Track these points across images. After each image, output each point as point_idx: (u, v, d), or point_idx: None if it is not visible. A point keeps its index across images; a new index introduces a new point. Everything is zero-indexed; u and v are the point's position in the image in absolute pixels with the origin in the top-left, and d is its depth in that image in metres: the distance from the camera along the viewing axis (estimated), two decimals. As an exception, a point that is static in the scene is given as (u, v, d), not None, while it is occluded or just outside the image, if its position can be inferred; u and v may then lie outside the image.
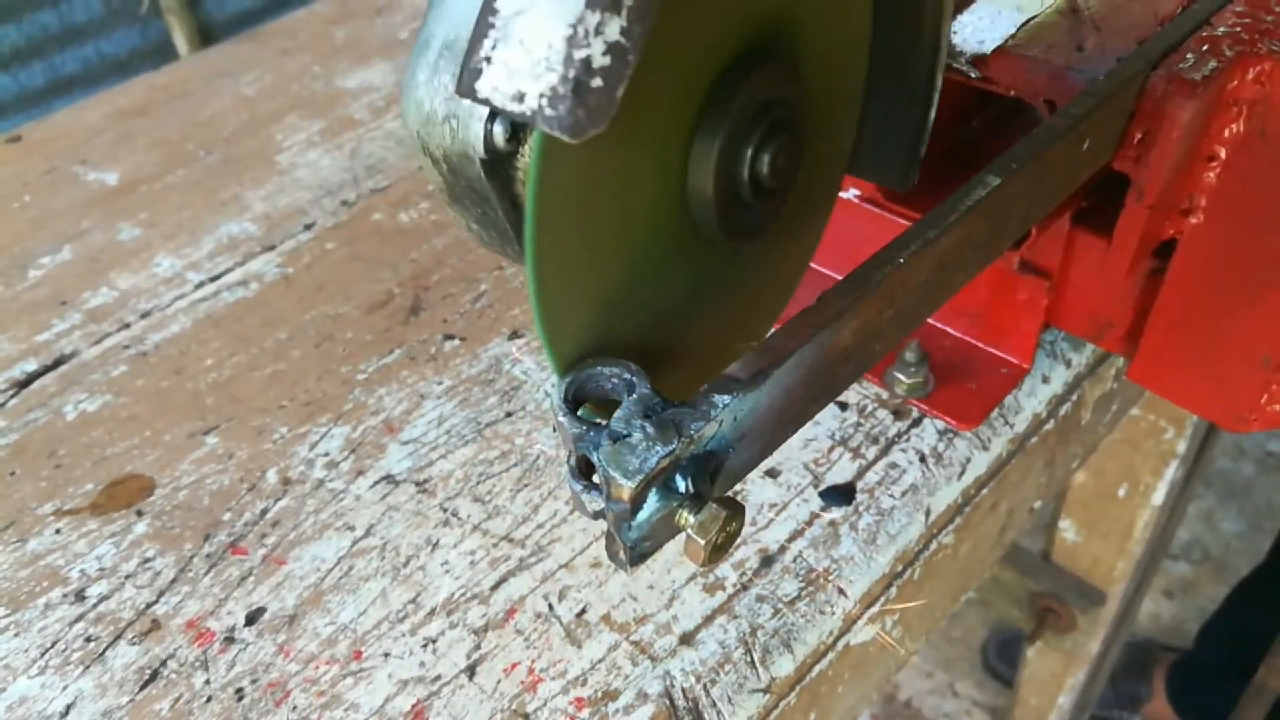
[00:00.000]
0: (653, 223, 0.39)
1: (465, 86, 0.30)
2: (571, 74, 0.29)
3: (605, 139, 0.31)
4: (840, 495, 0.57)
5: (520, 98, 0.30)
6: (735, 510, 0.34)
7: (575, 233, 0.36)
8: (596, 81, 0.29)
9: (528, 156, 0.34)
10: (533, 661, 0.50)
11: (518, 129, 0.33)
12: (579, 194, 0.35)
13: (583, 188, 0.35)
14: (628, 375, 0.36)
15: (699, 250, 0.42)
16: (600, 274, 0.38)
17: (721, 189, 0.39)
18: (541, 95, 0.29)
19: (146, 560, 0.56)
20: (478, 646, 0.51)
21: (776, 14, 0.40)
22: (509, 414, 0.62)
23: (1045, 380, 0.62)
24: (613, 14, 0.29)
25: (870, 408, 0.61)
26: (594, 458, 0.33)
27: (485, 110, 0.32)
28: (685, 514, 0.33)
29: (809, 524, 0.55)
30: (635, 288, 0.40)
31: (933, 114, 0.46)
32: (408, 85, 0.34)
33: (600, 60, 0.29)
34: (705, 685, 0.49)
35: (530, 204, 0.33)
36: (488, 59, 0.30)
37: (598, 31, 0.29)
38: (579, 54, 0.29)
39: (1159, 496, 1.12)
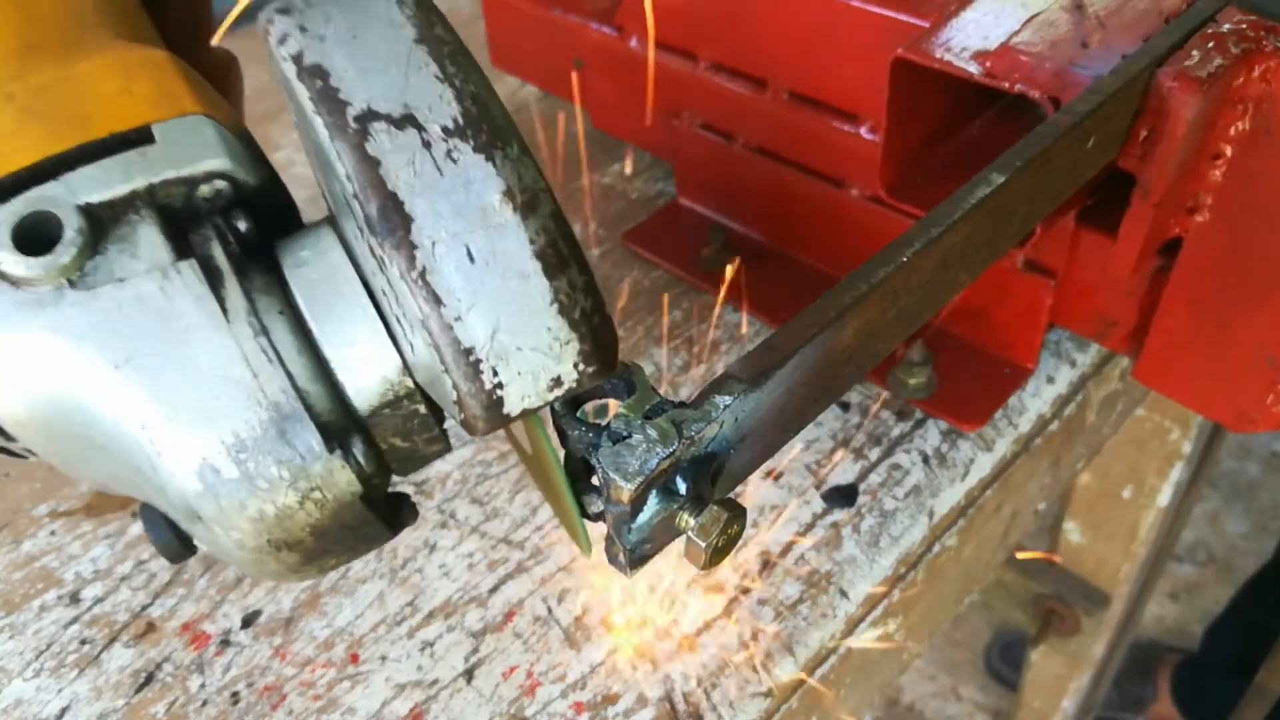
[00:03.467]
0: None
1: (492, 418, 0.31)
2: (585, 330, 0.31)
3: None
4: (842, 497, 0.56)
5: (558, 381, 0.31)
6: (736, 512, 0.33)
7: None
8: (597, 320, 0.31)
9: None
10: (531, 665, 0.50)
11: (373, 448, 0.33)
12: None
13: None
14: (628, 375, 0.35)
15: None
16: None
17: None
18: (576, 364, 0.31)
19: (142, 562, 0.55)
20: (476, 650, 0.50)
21: None
22: (508, 415, 0.62)
23: (1050, 380, 0.62)
24: (567, 267, 0.31)
25: (873, 408, 0.61)
26: (593, 459, 0.33)
27: (338, 457, 0.32)
28: (685, 516, 0.33)
29: (811, 526, 0.55)
30: None
31: None
32: (228, 518, 0.31)
33: (588, 304, 0.31)
34: (706, 689, 0.48)
35: (557, 467, 0.35)
36: (499, 384, 0.31)
37: (573, 287, 0.31)
38: (576, 313, 0.31)
39: (1164, 498, 1.12)
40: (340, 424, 0.33)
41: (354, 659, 0.50)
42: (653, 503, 0.33)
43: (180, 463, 0.30)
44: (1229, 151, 0.49)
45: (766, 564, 0.53)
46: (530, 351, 0.30)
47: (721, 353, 0.65)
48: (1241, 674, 1.25)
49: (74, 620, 0.53)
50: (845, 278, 0.35)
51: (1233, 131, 0.48)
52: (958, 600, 0.68)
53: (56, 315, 0.30)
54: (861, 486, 0.57)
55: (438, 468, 0.59)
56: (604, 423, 0.34)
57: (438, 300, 0.30)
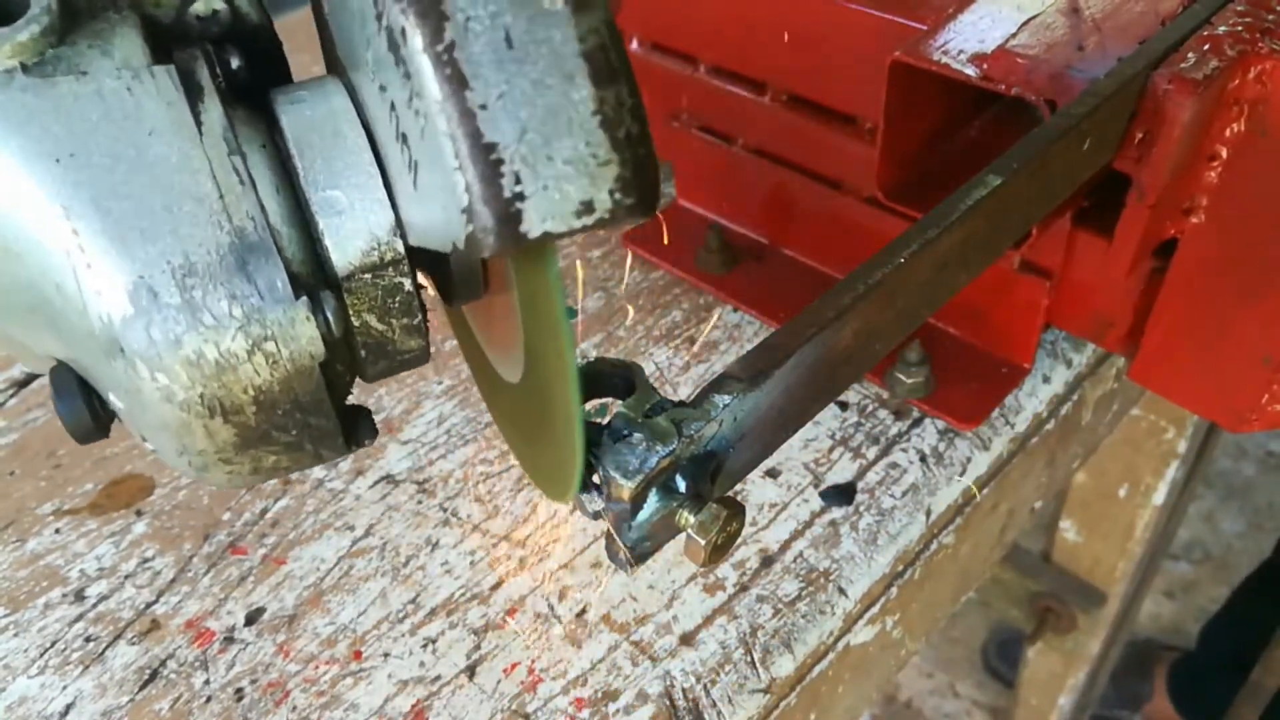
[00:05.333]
0: None
1: (504, 235, 0.26)
2: (628, 154, 0.26)
3: None
4: (841, 495, 0.57)
5: (589, 207, 0.26)
6: (735, 510, 0.34)
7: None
8: (643, 151, 0.27)
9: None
10: (533, 662, 0.50)
11: (343, 306, 0.29)
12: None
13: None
14: (627, 375, 0.36)
15: None
16: None
17: None
18: (613, 191, 0.26)
19: (146, 560, 0.56)
20: (478, 646, 0.51)
21: None
22: (509, 414, 0.62)
23: (1046, 380, 0.62)
24: (617, 81, 0.26)
25: (871, 407, 0.61)
26: (594, 457, 0.33)
27: (304, 306, 0.27)
28: (685, 514, 0.33)
29: (809, 524, 0.55)
30: None
31: None
32: (159, 354, 0.26)
33: (634, 128, 0.27)
34: (705, 685, 0.49)
35: (566, 340, 0.30)
36: (520, 194, 0.26)
37: (620, 103, 0.26)
38: (620, 132, 0.26)
39: (1159, 496, 1.12)
40: (311, 280, 0.28)
41: (357, 656, 0.51)
42: (653, 501, 0.33)
43: (111, 278, 0.26)
44: (1224, 153, 0.49)
45: (765, 561, 0.54)
46: (563, 164, 0.26)
47: (721, 353, 0.65)
48: (1237, 672, 1.25)
49: (78, 618, 0.53)
50: (844, 278, 0.36)
51: (1228, 133, 0.49)
52: (955, 598, 0.69)
53: (2, 97, 0.26)
54: (859, 485, 0.57)
55: (439, 466, 0.59)
56: (604, 421, 0.34)
57: (463, 81, 0.25)
